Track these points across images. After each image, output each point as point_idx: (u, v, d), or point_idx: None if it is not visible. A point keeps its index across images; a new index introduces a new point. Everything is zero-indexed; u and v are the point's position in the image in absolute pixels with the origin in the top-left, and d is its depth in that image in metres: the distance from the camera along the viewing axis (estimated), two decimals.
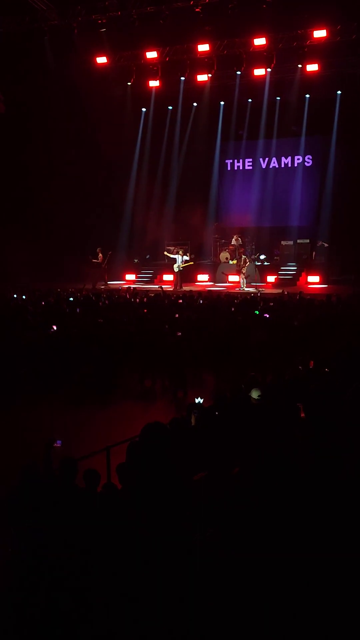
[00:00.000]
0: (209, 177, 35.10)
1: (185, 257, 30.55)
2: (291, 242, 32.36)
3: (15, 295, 26.23)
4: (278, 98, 32.78)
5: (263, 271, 30.70)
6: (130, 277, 33.85)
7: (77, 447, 9.94)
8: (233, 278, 30.92)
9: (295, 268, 31.52)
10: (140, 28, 28.88)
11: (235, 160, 35.40)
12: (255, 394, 10.00)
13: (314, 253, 30.89)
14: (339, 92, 31.42)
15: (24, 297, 25.95)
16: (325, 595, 4.24)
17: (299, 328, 18.00)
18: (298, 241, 32.34)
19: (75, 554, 5.30)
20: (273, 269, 31.17)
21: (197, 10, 27.51)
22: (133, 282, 33.08)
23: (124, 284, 32.31)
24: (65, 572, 5.07)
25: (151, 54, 30.92)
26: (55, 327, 18.71)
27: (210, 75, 31.43)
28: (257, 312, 20.12)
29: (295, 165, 33.93)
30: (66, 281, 31.17)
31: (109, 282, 32.06)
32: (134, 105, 34.75)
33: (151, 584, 4.60)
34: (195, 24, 28.34)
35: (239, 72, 31.19)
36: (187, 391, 15.68)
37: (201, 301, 23.24)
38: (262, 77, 31.13)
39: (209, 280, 32.29)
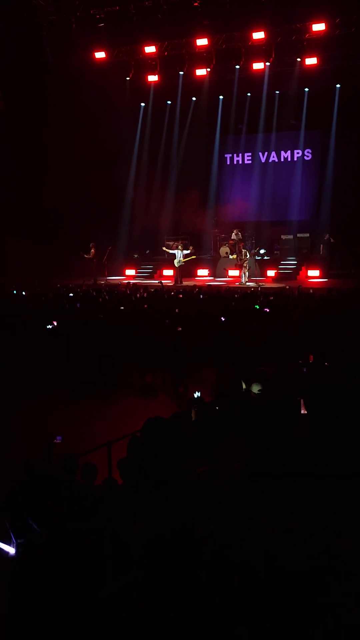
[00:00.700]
0: (209, 172, 35.07)
1: (186, 251, 30.51)
2: (291, 236, 32.35)
3: (15, 291, 26.22)
4: (277, 92, 32.76)
5: (263, 265, 30.71)
6: (130, 272, 33.85)
7: (78, 443, 9.95)
8: (233, 273, 30.92)
9: (295, 262, 31.51)
10: (138, 23, 28.84)
11: (235, 155, 35.37)
12: (255, 388, 10.00)
13: (321, 246, 30.79)
14: (338, 85, 31.39)
15: (23, 292, 25.94)
16: (330, 591, 4.24)
17: (298, 322, 17.98)
18: (298, 235, 32.32)
19: (76, 548, 5.31)
20: (273, 263, 31.16)
21: (195, 4, 27.46)
22: (133, 277, 33.07)
23: (124, 279, 32.29)
24: (67, 566, 5.07)
25: (150, 49, 30.89)
26: (55, 323, 18.70)
27: (209, 69, 31.41)
28: (257, 307, 20.10)
29: (295, 159, 33.90)
30: (66, 276, 31.18)
31: (108, 278, 32.05)
32: (132, 100, 34.73)
33: (153, 578, 4.61)
34: (194, 18, 28.29)
35: (237, 66, 31.15)
36: (188, 386, 15.68)
37: (201, 296, 23.23)
38: (261, 71, 31.09)
39: (209, 275, 32.28)
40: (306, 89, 32.05)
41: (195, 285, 26.95)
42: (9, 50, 30.14)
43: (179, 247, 30.56)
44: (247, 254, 29.45)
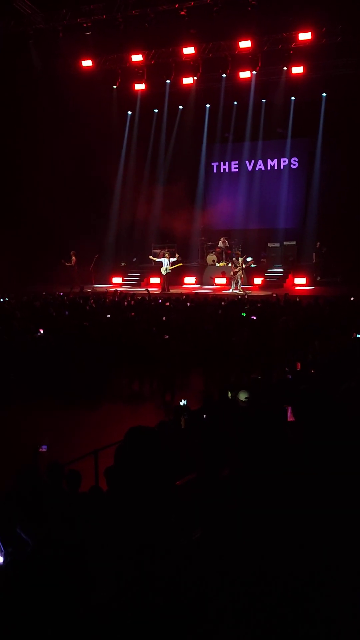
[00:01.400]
0: (195, 180, 35.13)
1: (173, 259, 30.52)
2: (278, 244, 32.43)
3: (2, 300, 26.16)
4: (264, 100, 32.89)
5: (250, 273, 30.74)
6: (117, 280, 33.80)
7: (65, 451, 9.93)
8: (220, 280, 30.96)
9: (282, 270, 31.57)
10: (125, 31, 28.93)
11: (222, 163, 35.45)
12: (242, 396, 10.01)
13: (314, 254, 30.80)
14: (324, 94, 31.50)
15: (6, 299, 25.90)
16: (321, 599, 4.24)
17: (285, 330, 18.02)
18: (285, 243, 32.40)
19: (64, 557, 5.29)
20: (260, 271, 31.21)
21: (182, 13, 27.59)
22: (120, 285, 33.04)
23: (110, 287, 32.27)
24: (55, 575, 5.05)
25: (137, 57, 30.99)
26: (42, 331, 18.67)
27: (195, 78, 31.55)
28: (244, 315, 20.13)
29: (282, 167, 33.98)
30: (48, 284, 31.11)
31: (95, 286, 32.03)
32: (119, 108, 34.80)
33: (137, 587, 4.58)
34: (181, 27, 28.42)
35: (224, 75, 31.30)
36: (175, 394, 15.67)
37: (188, 304, 23.24)
38: (248, 80, 31.24)
39: (196, 283, 32.28)
40: (292, 98, 32.15)
41: (182, 294, 26.96)
42: None
43: (166, 254, 30.57)
44: (240, 262, 29.29)
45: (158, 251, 32.12)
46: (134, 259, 35.42)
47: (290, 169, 33.77)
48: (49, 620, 4.63)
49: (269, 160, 34.28)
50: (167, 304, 23.47)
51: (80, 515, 6.39)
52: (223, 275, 31.06)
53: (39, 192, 32.61)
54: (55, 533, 5.86)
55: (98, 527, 5.71)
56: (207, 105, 34.41)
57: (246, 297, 25.62)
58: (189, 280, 32.44)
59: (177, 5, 27.59)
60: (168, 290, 29.98)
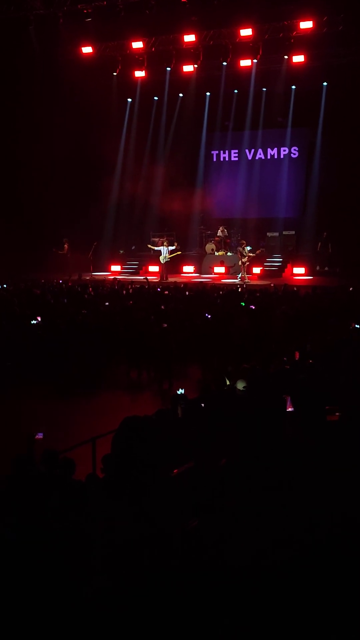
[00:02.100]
0: (195, 168, 35.00)
1: (171, 247, 30.44)
2: (277, 234, 32.38)
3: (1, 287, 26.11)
4: (264, 89, 32.72)
5: (249, 263, 30.68)
6: (116, 268, 33.75)
7: (63, 439, 9.93)
8: (218, 269, 30.92)
9: (280, 260, 31.54)
10: (126, 18, 28.79)
11: (222, 152, 35.31)
12: (240, 385, 10.01)
13: (319, 244, 30.72)
14: (325, 83, 31.37)
15: (4, 286, 25.84)
16: (317, 589, 4.24)
17: (283, 319, 18.01)
18: (284, 233, 32.35)
19: (59, 545, 5.29)
20: (259, 261, 31.14)
21: (183, 0, 27.42)
22: (118, 273, 32.99)
23: (109, 275, 32.22)
24: (51, 562, 5.05)
25: (137, 44, 30.88)
26: (39, 318, 18.64)
27: (196, 65, 31.40)
28: (242, 304, 20.12)
29: (282, 156, 33.86)
30: (47, 272, 31.01)
31: (94, 273, 31.97)
32: (119, 95, 34.62)
33: (136, 575, 4.59)
34: (181, 15, 28.31)
35: (225, 63, 31.21)
36: (173, 382, 15.68)
37: (187, 292, 23.22)
38: (248, 68, 31.11)
39: (195, 272, 32.22)
40: (293, 87, 32.00)
41: (180, 282, 26.91)
42: None
43: (165, 243, 30.51)
44: (247, 251, 29.14)
45: (157, 239, 32.07)
46: (133, 247, 35.35)
47: (290, 158, 33.65)
48: (42, 606, 4.63)
49: (269, 149, 34.16)
50: (166, 292, 23.45)
51: (74, 502, 6.39)
52: (222, 264, 31.00)
53: (35, 179, 32.46)
54: (49, 519, 5.86)
55: (94, 513, 5.71)
56: (208, 94, 34.24)
57: (245, 286, 25.57)
58: (188, 269, 32.36)
59: None
60: (166, 279, 29.91)
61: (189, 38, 29.77)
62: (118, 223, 35.24)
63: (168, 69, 32.40)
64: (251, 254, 28.96)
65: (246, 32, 28.79)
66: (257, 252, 29.41)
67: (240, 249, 29.24)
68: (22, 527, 5.71)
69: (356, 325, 16.06)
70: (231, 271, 30.24)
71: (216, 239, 32.46)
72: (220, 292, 23.13)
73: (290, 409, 8.41)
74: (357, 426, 7.18)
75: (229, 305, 20.26)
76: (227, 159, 35.27)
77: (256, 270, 30.40)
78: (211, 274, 31.06)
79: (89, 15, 29.39)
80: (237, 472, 6.08)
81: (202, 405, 9.62)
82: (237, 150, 34.88)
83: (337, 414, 7.40)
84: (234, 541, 4.83)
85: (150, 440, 7.26)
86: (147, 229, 34.36)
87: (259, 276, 29.98)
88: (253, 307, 19.46)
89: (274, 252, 31.95)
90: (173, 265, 31.33)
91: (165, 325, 17.06)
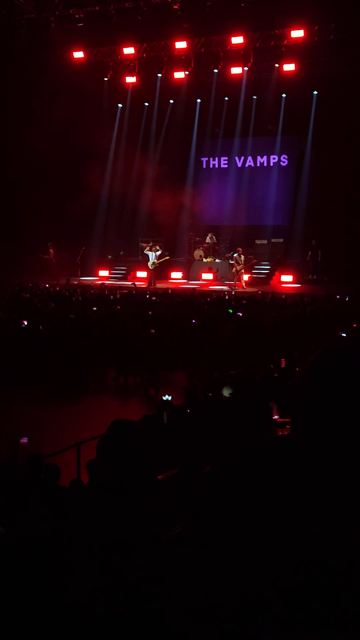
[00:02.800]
0: (185, 175, 35.01)
1: (158, 252, 30.44)
2: (265, 241, 32.44)
3: None
4: (254, 97, 32.77)
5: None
6: (104, 273, 33.69)
7: (48, 443, 9.89)
8: (206, 276, 30.93)
9: (268, 267, 31.58)
10: (117, 23, 28.82)
11: (211, 159, 35.35)
12: (226, 392, 10.00)
13: (309, 252, 30.77)
14: (315, 92, 31.46)
15: None
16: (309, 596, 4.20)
17: (270, 327, 18.05)
18: (272, 240, 32.42)
19: (40, 550, 5.24)
20: (247, 268, 31.17)
21: (175, 7, 27.49)
22: (106, 278, 32.94)
23: (97, 279, 32.18)
24: (31, 568, 5.01)
25: (128, 50, 30.94)
26: (25, 322, 18.60)
27: (187, 72, 31.48)
28: (230, 311, 20.14)
29: (271, 164, 33.93)
30: (31, 276, 30.91)
31: (81, 278, 31.92)
32: (110, 101, 34.62)
33: (116, 581, 4.54)
34: (173, 21, 28.36)
35: (216, 70, 31.30)
36: (159, 388, 15.67)
37: (175, 299, 23.23)
38: (239, 76, 31.19)
39: (183, 278, 32.22)
40: (283, 95, 32.08)
41: (168, 288, 26.91)
42: None
43: (153, 248, 30.52)
44: (243, 259, 29.18)
45: (145, 245, 32.10)
46: (121, 253, 35.32)
47: (279, 166, 33.74)
48: (22, 613, 4.60)
49: (258, 157, 34.23)
50: (154, 298, 23.45)
51: (58, 507, 6.36)
52: (210, 270, 31.03)
53: (24, 184, 32.41)
54: (32, 524, 5.83)
55: (77, 519, 5.69)
56: (198, 100, 34.28)
57: (233, 293, 25.58)
58: (176, 275, 32.35)
59: None
60: (154, 284, 29.91)
61: (181, 45, 29.86)
62: (107, 228, 35.21)
63: (159, 75, 32.45)
64: (247, 262, 29.06)
65: (237, 39, 28.90)
66: (253, 261, 29.53)
67: (237, 256, 29.27)
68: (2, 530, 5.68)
69: (342, 334, 16.08)
70: (219, 278, 30.27)
71: (205, 245, 32.48)
72: (208, 299, 23.14)
73: (276, 417, 8.39)
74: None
75: (216, 312, 20.27)
76: (216, 166, 35.31)
77: (244, 277, 30.42)
78: (199, 280, 31.06)
79: (80, 20, 29.41)
80: (221, 479, 6.05)
81: (188, 411, 9.61)
82: (226, 158, 34.93)
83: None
84: (219, 548, 4.79)
85: (137, 445, 7.21)
86: (135, 234, 34.35)
87: (247, 283, 30.01)
88: (240, 315, 19.48)
89: (262, 260, 31.99)
90: (161, 271, 31.31)
91: (153, 331, 17.07)
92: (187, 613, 4.29)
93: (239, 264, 28.98)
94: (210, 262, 31.64)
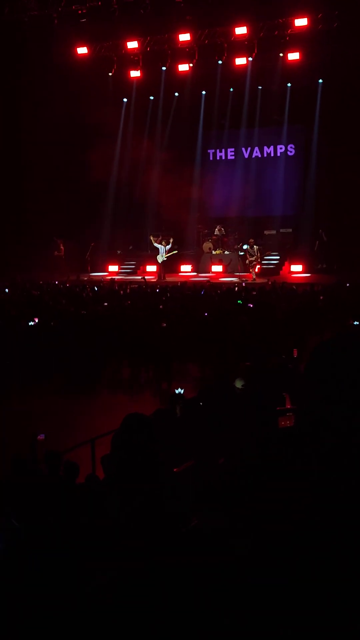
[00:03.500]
0: (192, 167, 34.93)
1: (168, 246, 30.46)
2: (274, 232, 32.40)
3: None
4: (260, 87, 32.68)
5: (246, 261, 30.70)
6: (114, 268, 33.72)
7: (62, 439, 9.94)
8: (216, 268, 30.93)
9: (278, 257, 31.55)
10: (120, 18, 28.83)
11: (218, 150, 35.29)
12: (239, 384, 10.01)
13: (316, 242, 30.73)
14: (320, 80, 31.36)
15: (6, 290, 25.83)
16: (323, 591, 4.24)
17: (281, 317, 18.03)
18: (281, 230, 32.40)
19: (60, 544, 5.30)
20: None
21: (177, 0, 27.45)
22: (116, 273, 32.98)
23: (106, 275, 32.22)
24: (52, 561, 5.07)
25: (132, 44, 30.90)
26: (37, 320, 18.65)
27: (191, 64, 31.39)
28: (240, 302, 20.13)
29: (278, 154, 33.87)
30: (47, 273, 31.02)
31: (91, 274, 31.99)
32: (115, 95, 34.57)
33: (134, 576, 4.59)
34: (176, 14, 28.36)
35: (220, 62, 31.18)
36: (172, 382, 15.70)
37: (185, 291, 23.25)
38: (244, 67, 31.10)
39: (192, 271, 32.21)
40: (289, 84, 31.97)
41: (178, 281, 26.93)
42: None
43: (163, 242, 30.54)
44: (258, 250, 29.15)
45: (154, 238, 32.09)
46: (130, 247, 35.36)
47: (286, 156, 33.67)
48: (42, 609, 4.64)
49: (265, 148, 34.16)
50: (164, 292, 23.47)
51: (76, 504, 6.40)
52: (219, 262, 31.03)
53: (32, 181, 32.48)
54: (50, 521, 5.87)
55: (94, 514, 5.73)
56: (203, 92, 34.19)
57: (243, 284, 25.56)
58: (185, 268, 32.36)
59: None
60: (164, 278, 29.93)
61: (184, 37, 29.80)
62: (115, 223, 35.20)
63: (163, 68, 32.39)
64: (258, 253, 29.05)
65: (241, 30, 28.82)
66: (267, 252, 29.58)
67: (248, 247, 29.25)
68: (21, 526, 5.73)
69: (355, 322, 16.07)
70: (230, 270, 30.29)
71: (213, 237, 32.47)
72: (219, 291, 23.14)
73: (289, 407, 8.40)
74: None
75: (227, 303, 20.27)
76: (223, 157, 35.26)
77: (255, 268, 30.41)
78: (209, 273, 31.04)
79: (83, 15, 29.44)
80: (235, 471, 6.09)
81: (201, 404, 9.63)
82: (233, 149, 34.87)
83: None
84: (234, 540, 4.84)
85: (151, 439, 7.26)
86: (144, 228, 34.36)
87: (256, 274, 29.98)
88: (251, 305, 19.48)
89: (272, 250, 31.95)
90: (170, 265, 31.32)
91: (164, 324, 17.08)
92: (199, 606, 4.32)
93: (253, 256, 28.96)
94: (220, 254, 31.62)
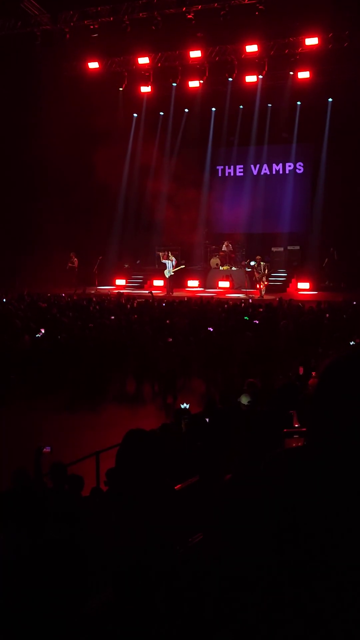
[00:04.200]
0: (200, 183, 35.02)
1: (174, 261, 30.51)
2: (282, 249, 32.43)
3: (4, 300, 26.14)
4: (269, 105, 32.81)
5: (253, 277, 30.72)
6: (121, 282, 33.76)
7: (67, 452, 9.93)
8: (223, 284, 30.95)
9: (285, 274, 31.56)
10: (132, 34, 28.97)
11: (227, 167, 35.40)
12: (245, 400, 10.00)
13: (326, 260, 30.75)
14: (330, 99, 31.47)
15: (13, 302, 25.87)
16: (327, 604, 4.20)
17: (287, 334, 18.02)
18: (288, 248, 32.41)
19: (60, 560, 5.28)
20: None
21: (189, 16, 27.60)
22: (123, 287, 33.01)
23: (114, 289, 32.26)
24: (50, 578, 5.04)
25: (143, 60, 31.04)
26: (43, 331, 18.67)
27: (201, 81, 31.54)
28: (246, 318, 20.13)
29: (287, 172, 33.96)
30: (60, 286, 31.07)
31: (98, 287, 32.03)
32: (125, 110, 34.74)
33: (135, 590, 4.57)
34: (187, 30, 28.46)
35: (230, 79, 31.33)
36: (177, 397, 15.68)
37: (192, 307, 23.25)
38: (254, 84, 31.26)
39: (199, 286, 32.24)
40: (298, 103, 32.10)
41: (185, 296, 26.96)
42: (1, 60, 30.17)
43: (170, 257, 30.60)
44: (265, 267, 29.16)
45: (162, 254, 32.13)
46: (138, 261, 35.42)
47: (295, 173, 33.76)
48: (44, 621, 4.63)
49: (274, 165, 34.26)
50: (171, 307, 23.49)
51: (80, 516, 6.39)
52: (227, 278, 31.05)
53: (42, 194, 32.61)
54: (53, 534, 5.86)
55: (97, 528, 5.71)
56: (213, 109, 34.36)
57: (250, 301, 25.56)
58: (193, 283, 32.39)
59: (184, 9, 27.59)
60: (172, 292, 29.97)
61: (195, 54, 29.97)
62: (123, 237, 35.31)
63: (174, 84, 32.55)
64: (265, 271, 29.03)
65: (252, 48, 28.96)
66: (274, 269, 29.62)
67: (256, 265, 29.25)
68: (23, 540, 5.71)
69: (351, 342, 16.03)
70: (237, 287, 30.32)
71: (221, 253, 32.50)
72: (225, 307, 23.14)
73: (297, 425, 8.38)
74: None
75: (233, 319, 20.28)
76: (232, 174, 35.36)
77: (260, 285, 30.41)
78: (216, 288, 31.07)
79: (95, 30, 29.58)
80: (241, 488, 6.05)
81: (207, 420, 9.62)
82: (242, 166, 34.97)
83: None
84: (237, 557, 4.81)
85: (155, 454, 7.24)
86: (152, 243, 34.46)
87: (263, 291, 29.97)
88: (257, 322, 19.47)
89: (279, 267, 31.97)
90: (178, 280, 31.35)
91: (170, 339, 17.09)
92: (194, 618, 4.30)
93: (260, 273, 28.97)
94: (227, 270, 31.64)
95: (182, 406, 9.91)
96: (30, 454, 8.60)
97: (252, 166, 34.61)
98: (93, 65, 31.58)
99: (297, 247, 32.33)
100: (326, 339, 17.73)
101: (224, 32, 28.40)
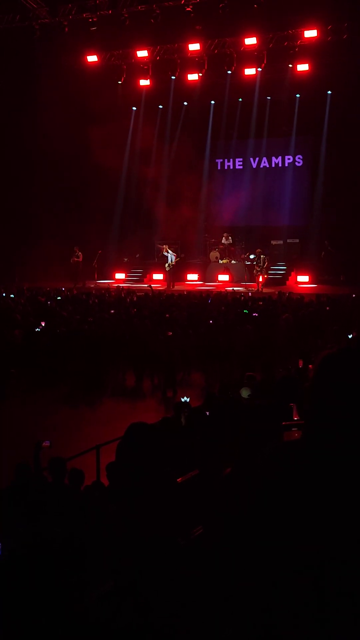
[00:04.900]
0: (199, 176, 34.94)
1: (174, 254, 30.50)
2: (281, 242, 32.37)
3: (4, 294, 26.14)
4: (268, 97, 32.71)
5: (252, 271, 30.69)
6: (120, 276, 33.73)
7: (67, 446, 9.94)
8: (222, 277, 30.93)
9: (284, 268, 31.53)
10: (130, 27, 28.89)
11: (226, 160, 35.32)
12: (245, 393, 10.00)
13: (322, 253, 30.70)
14: (329, 92, 31.38)
15: (12, 295, 25.87)
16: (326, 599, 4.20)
17: (286, 327, 18.03)
18: (288, 241, 32.35)
19: (61, 553, 5.29)
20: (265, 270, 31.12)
21: (188, 9, 27.54)
22: (123, 281, 33.00)
23: (113, 282, 32.24)
24: (51, 571, 5.06)
25: (142, 53, 30.98)
26: (43, 324, 18.68)
27: (200, 74, 31.44)
28: (246, 311, 20.13)
29: (286, 164, 33.89)
30: (63, 280, 31.05)
31: (98, 281, 32.02)
32: (124, 103, 34.65)
33: (134, 583, 4.58)
34: (186, 23, 28.39)
35: (229, 72, 31.21)
36: (177, 390, 15.69)
37: (191, 300, 23.26)
38: (253, 77, 31.17)
39: (199, 280, 32.22)
40: (297, 95, 32.00)
41: (184, 290, 26.95)
42: (0, 53, 30.13)
43: (170, 250, 30.57)
44: (265, 260, 29.14)
45: (161, 247, 32.10)
46: (137, 255, 35.37)
47: (294, 166, 33.68)
48: (44, 614, 4.64)
49: (273, 158, 34.18)
50: (170, 300, 23.49)
51: (79, 510, 6.40)
52: (226, 271, 31.03)
53: (40, 188, 32.58)
54: (53, 527, 5.87)
55: (97, 522, 5.72)
56: (212, 102, 34.28)
57: (249, 294, 25.56)
58: (192, 277, 32.37)
59: (182, 2, 27.54)
60: (173, 286, 29.96)
61: (194, 47, 29.89)
62: (123, 231, 35.26)
63: (173, 77, 32.43)
64: (264, 264, 29.00)
65: (251, 40, 28.89)
66: (265, 261, 29.56)
67: (256, 258, 29.21)
68: (24, 534, 5.72)
69: (349, 336, 16.06)
70: (236, 280, 30.29)
71: (220, 246, 32.46)
72: (224, 300, 23.14)
73: (296, 418, 8.38)
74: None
75: (232, 313, 20.27)
76: (231, 167, 35.28)
77: (259, 278, 30.39)
78: (215, 282, 31.04)
79: (94, 24, 29.49)
80: (241, 481, 6.05)
81: (207, 413, 9.62)
82: (241, 159, 34.89)
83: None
84: (238, 550, 4.81)
85: (156, 448, 7.24)
86: (151, 237, 34.41)
87: (262, 284, 29.97)
88: (256, 315, 19.47)
89: (278, 260, 31.93)
90: (177, 273, 31.32)
91: (170, 333, 17.09)
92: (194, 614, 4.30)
93: (259, 265, 28.95)
94: (226, 263, 31.61)
95: (182, 400, 9.91)
96: (30, 448, 8.61)
97: (251, 159, 34.53)
98: (92, 58, 31.51)
99: (297, 240, 32.27)
100: (325, 332, 17.74)
101: (222, 25, 28.33)
